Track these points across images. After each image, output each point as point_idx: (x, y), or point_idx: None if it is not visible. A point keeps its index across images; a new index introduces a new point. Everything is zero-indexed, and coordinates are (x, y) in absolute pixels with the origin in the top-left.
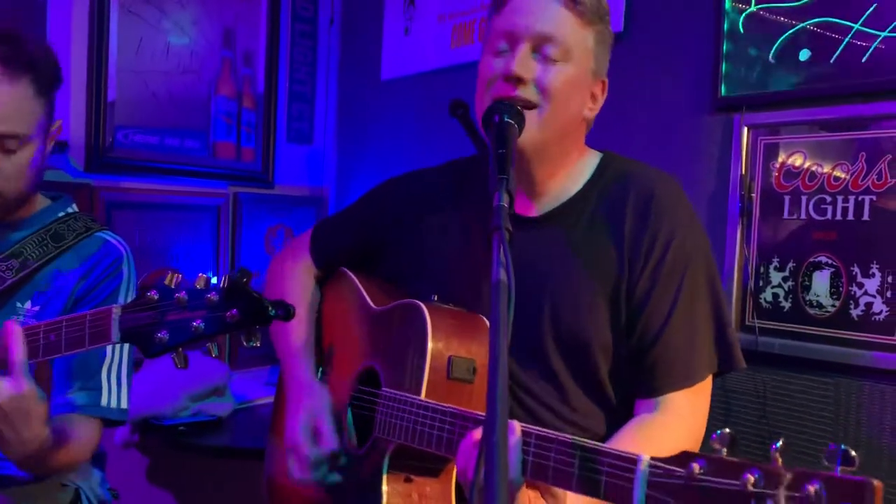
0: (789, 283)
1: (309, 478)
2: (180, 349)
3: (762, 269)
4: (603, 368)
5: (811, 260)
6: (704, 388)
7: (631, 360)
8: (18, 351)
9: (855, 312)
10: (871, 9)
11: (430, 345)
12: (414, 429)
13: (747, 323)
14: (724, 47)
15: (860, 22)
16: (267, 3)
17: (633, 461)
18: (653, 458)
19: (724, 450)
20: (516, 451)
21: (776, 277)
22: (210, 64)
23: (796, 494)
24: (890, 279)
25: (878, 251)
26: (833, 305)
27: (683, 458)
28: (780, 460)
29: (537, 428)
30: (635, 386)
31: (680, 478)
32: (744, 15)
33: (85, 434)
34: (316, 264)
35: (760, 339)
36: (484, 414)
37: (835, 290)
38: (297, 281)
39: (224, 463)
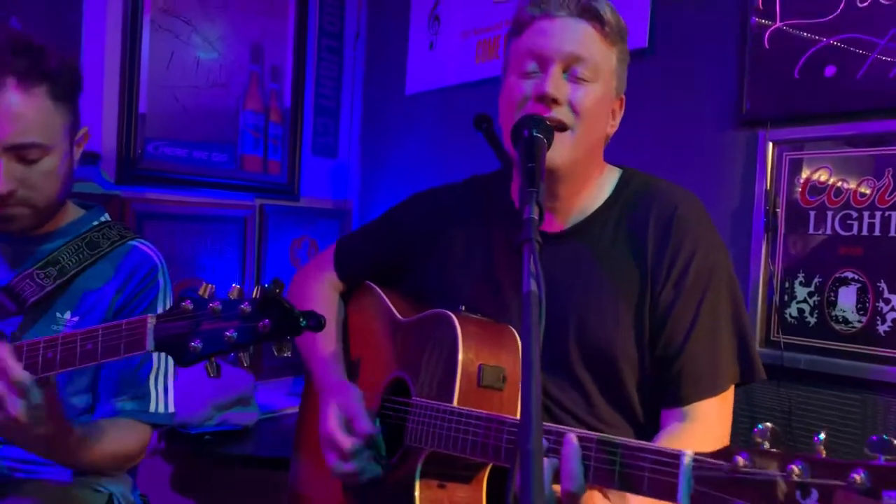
0: (815, 298)
1: (350, 468)
2: (213, 358)
3: (787, 285)
4: (629, 381)
5: (837, 275)
6: (728, 396)
7: (655, 371)
8: (16, 370)
9: (882, 328)
10: None
11: (460, 353)
12: (448, 435)
13: (772, 338)
14: (749, 63)
15: (887, 38)
16: (294, 19)
17: (676, 456)
18: (696, 453)
19: (767, 443)
20: (577, 460)
21: (802, 293)
22: (238, 78)
23: (842, 483)
24: None
25: None
26: (859, 321)
27: (727, 451)
28: (823, 451)
29: (583, 431)
30: (661, 396)
31: (725, 471)
32: (769, 31)
33: (132, 435)
34: (339, 278)
35: (786, 354)
36: (517, 418)
37: (861, 305)
38: (321, 293)
39: (248, 472)
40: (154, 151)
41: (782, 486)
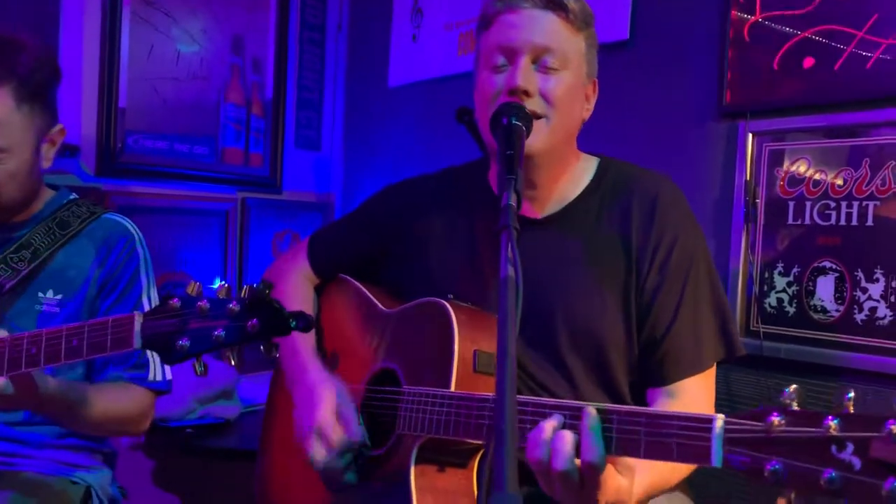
0: (794, 288)
1: (335, 463)
2: (200, 357)
3: (767, 275)
4: (617, 365)
5: (815, 265)
6: (711, 373)
7: (641, 353)
8: None
9: (859, 317)
10: (875, 17)
11: (457, 339)
12: (447, 420)
13: (752, 328)
14: (729, 55)
15: (864, 30)
16: (276, 11)
17: (707, 420)
18: (728, 416)
19: (795, 404)
20: (596, 432)
21: (781, 282)
22: (219, 71)
23: (879, 434)
24: (894, 284)
25: (881, 256)
26: (837, 310)
27: (759, 413)
28: (852, 408)
29: (608, 405)
30: (647, 376)
31: (760, 431)
32: (748, 23)
33: (132, 398)
34: (314, 271)
35: (765, 343)
36: (518, 397)
37: (839, 294)
38: (296, 287)
39: (230, 465)
40: (134, 144)
41: (819, 443)
